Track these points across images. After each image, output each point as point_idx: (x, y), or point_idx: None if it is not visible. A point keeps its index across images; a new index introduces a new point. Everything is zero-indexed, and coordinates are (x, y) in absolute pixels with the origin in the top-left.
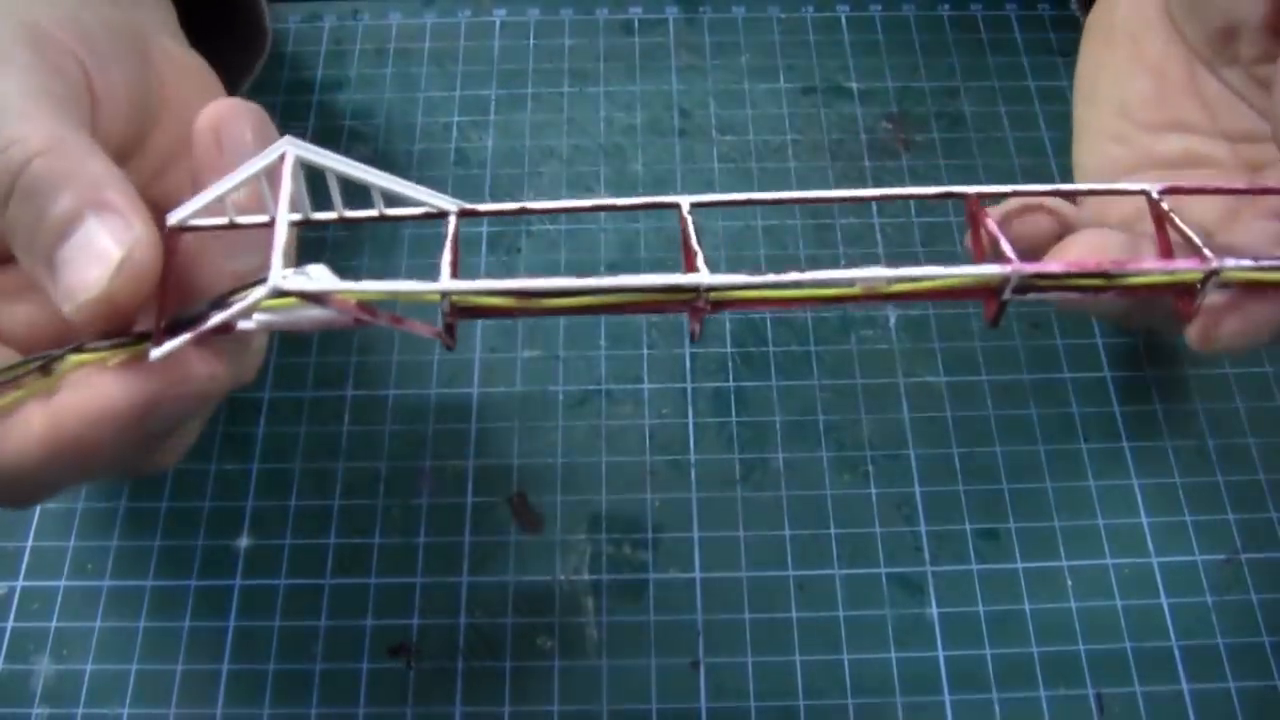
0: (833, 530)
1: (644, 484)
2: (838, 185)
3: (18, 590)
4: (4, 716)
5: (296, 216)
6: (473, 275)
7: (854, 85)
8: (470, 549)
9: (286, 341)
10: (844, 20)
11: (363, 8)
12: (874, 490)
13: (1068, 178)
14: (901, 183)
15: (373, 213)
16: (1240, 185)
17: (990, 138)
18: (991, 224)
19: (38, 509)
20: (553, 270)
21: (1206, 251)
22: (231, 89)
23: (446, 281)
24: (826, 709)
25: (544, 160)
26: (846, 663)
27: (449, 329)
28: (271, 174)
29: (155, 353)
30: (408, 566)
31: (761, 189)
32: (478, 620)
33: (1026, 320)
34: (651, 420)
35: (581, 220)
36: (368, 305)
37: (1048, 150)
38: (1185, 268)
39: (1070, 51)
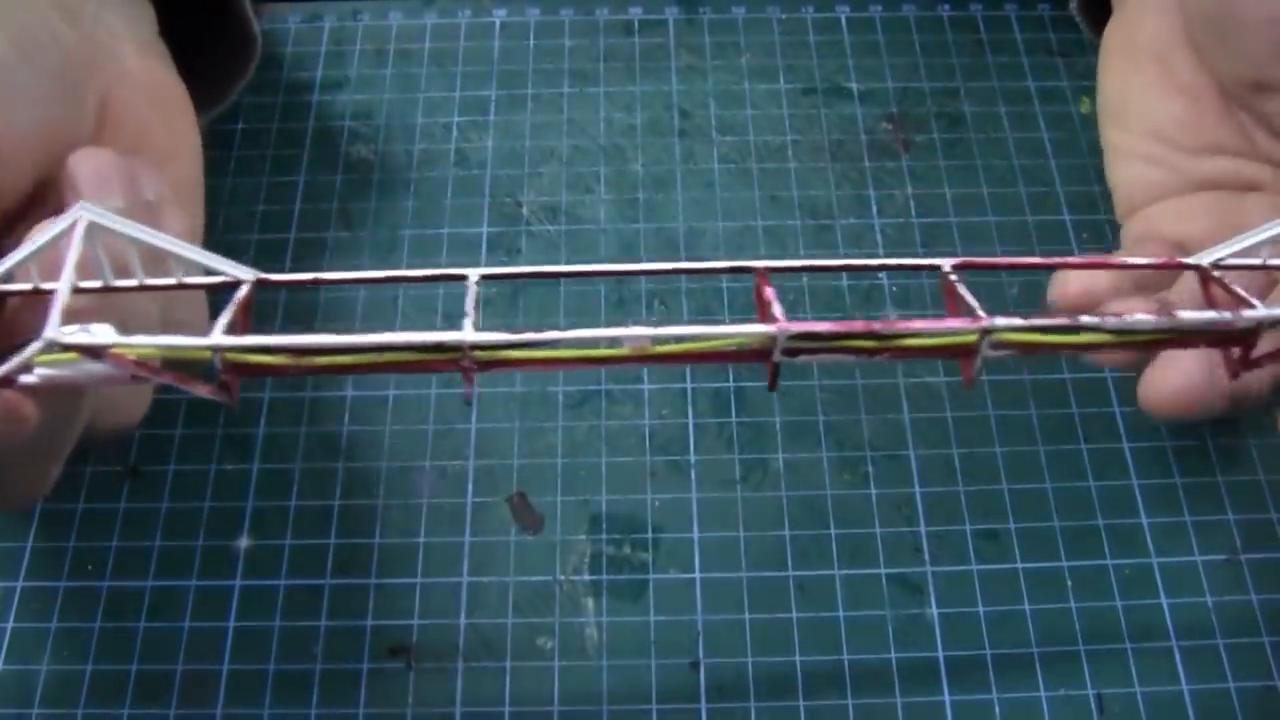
0: (832, 531)
1: (644, 484)
2: (838, 186)
3: (18, 590)
4: (4, 717)
5: (95, 284)
6: None
7: (854, 86)
8: (470, 549)
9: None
10: (844, 21)
11: (363, 8)
12: (874, 491)
13: (1068, 178)
14: (902, 183)
15: (171, 281)
16: (1038, 260)
17: (990, 138)
18: (769, 292)
19: (38, 508)
20: None
21: (979, 311)
22: (223, 95)
23: (217, 337)
24: (826, 709)
25: (544, 161)
26: (846, 663)
27: (224, 386)
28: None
29: None
30: (408, 567)
31: (762, 190)
32: (478, 620)
33: None
34: (651, 421)
35: (582, 220)
36: (145, 362)
37: (1048, 151)
38: (956, 328)
39: (1070, 52)
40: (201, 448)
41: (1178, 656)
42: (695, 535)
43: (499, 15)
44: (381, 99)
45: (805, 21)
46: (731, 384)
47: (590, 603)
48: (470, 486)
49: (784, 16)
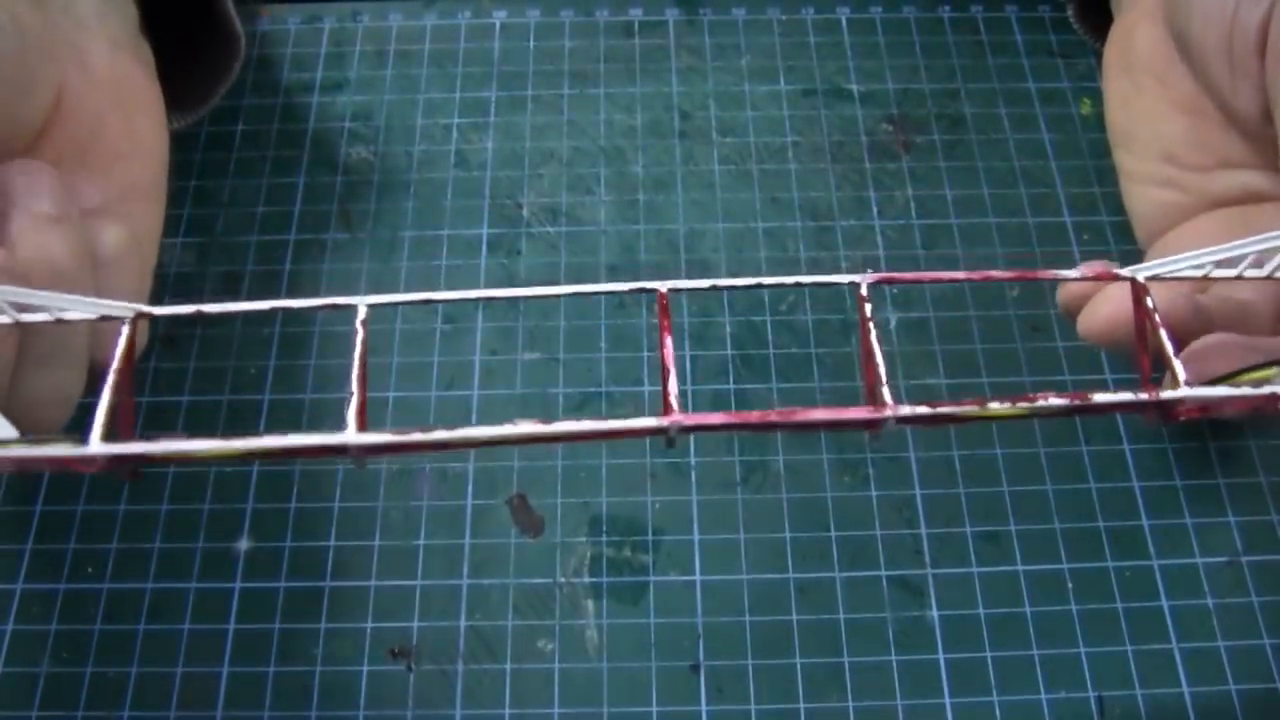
0: (833, 533)
1: (644, 486)
2: (839, 187)
3: (18, 593)
4: (5, 719)
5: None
6: (472, 276)
7: (854, 87)
8: (470, 551)
9: (285, 345)
10: (844, 22)
11: (363, 9)
12: (874, 493)
13: (1069, 179)
14: (903, 185)
15: (48, 318)
16: (958, 275)
17: (991, 139)
18: (665, 319)
19: (38, 510)
20: (553, 274)
21: (887, 397)
22: (207, 96)
23: (95, 445)
24: (827, 712)
25: (544, 162)
26: (847, 665)
27: (133, 472)
28: None
29: None
30: (408, 569)
31: (762, 191)
32: (478, 622)
33: (1027, 323)
34: None
35: (582, 222)
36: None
37: (1048, 152)
38: (852, 419)
39: (1071, 53)
40: None
41: (1179, 659)
42: (696, 537)
43: (499, 16)
44: (381, 100)
45: (805, 23)
46: (732, 385)
47: (590, 605)
48: (470, 489)
49: (784, 18)
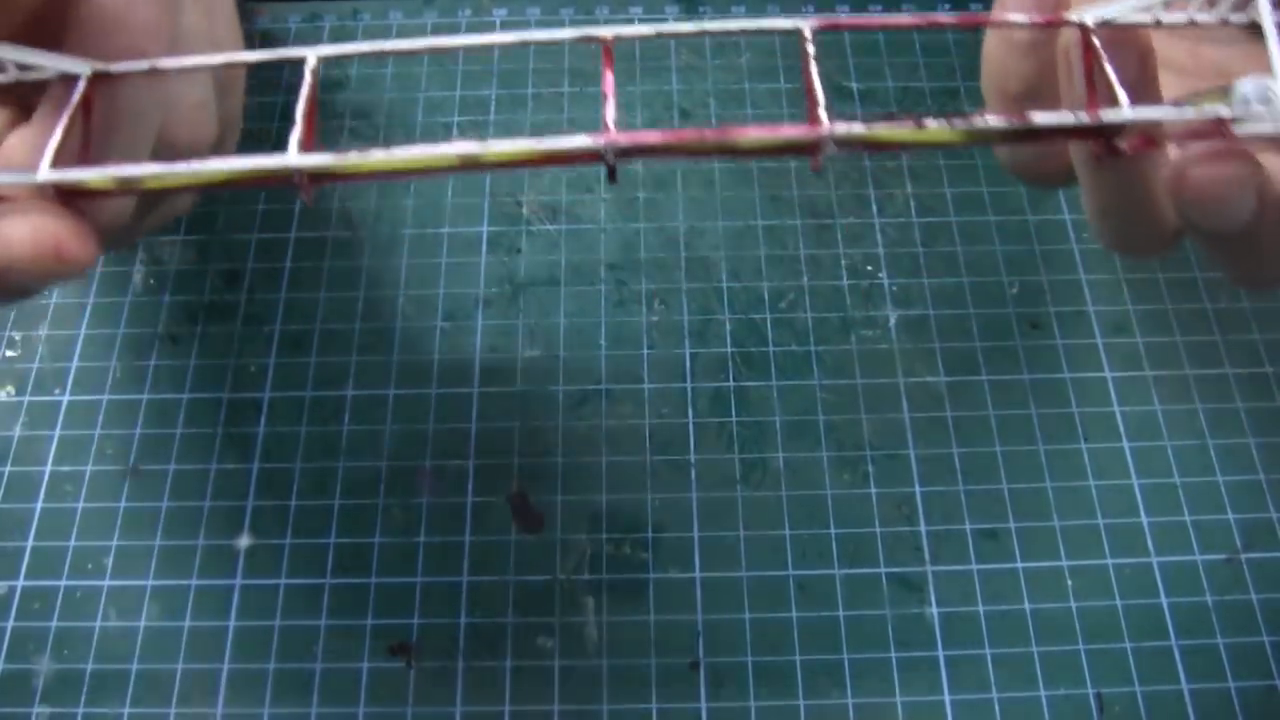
0: (833, 530)
1: (644, 484)
2: (838, 185)
3: (18, 590)
4: (5, 716)
5: None
6: (472, 274)
7: (854, 85)
8: (470, 548)
9: (286, 342)
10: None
11: (363, 8)
12: (874, 490)
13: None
14: (902, 183)
15: (8, 78)
16: (909, 19)
17: None
18: (609, 77)
19: (38, 508)
20: (553, 272)
21: (823, 115)
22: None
23: (45, 173)
24: (826, 709)
25: None
26: (846, 662)
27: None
28: None
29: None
30: (408, 566)
31: (762, 188)
32: (478, 620)
33: (1026, 320)
34: (652, 420)
35: (582, 220)
36: None
37: None
38: (791, 136)
39: None
40: (201, 447)
41: (1178, 656)
42: (695, 534)
43: (499, 15)
44: (382, 98)
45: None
46: (731, 384)
47: (590, 602)
48: (470, 486)
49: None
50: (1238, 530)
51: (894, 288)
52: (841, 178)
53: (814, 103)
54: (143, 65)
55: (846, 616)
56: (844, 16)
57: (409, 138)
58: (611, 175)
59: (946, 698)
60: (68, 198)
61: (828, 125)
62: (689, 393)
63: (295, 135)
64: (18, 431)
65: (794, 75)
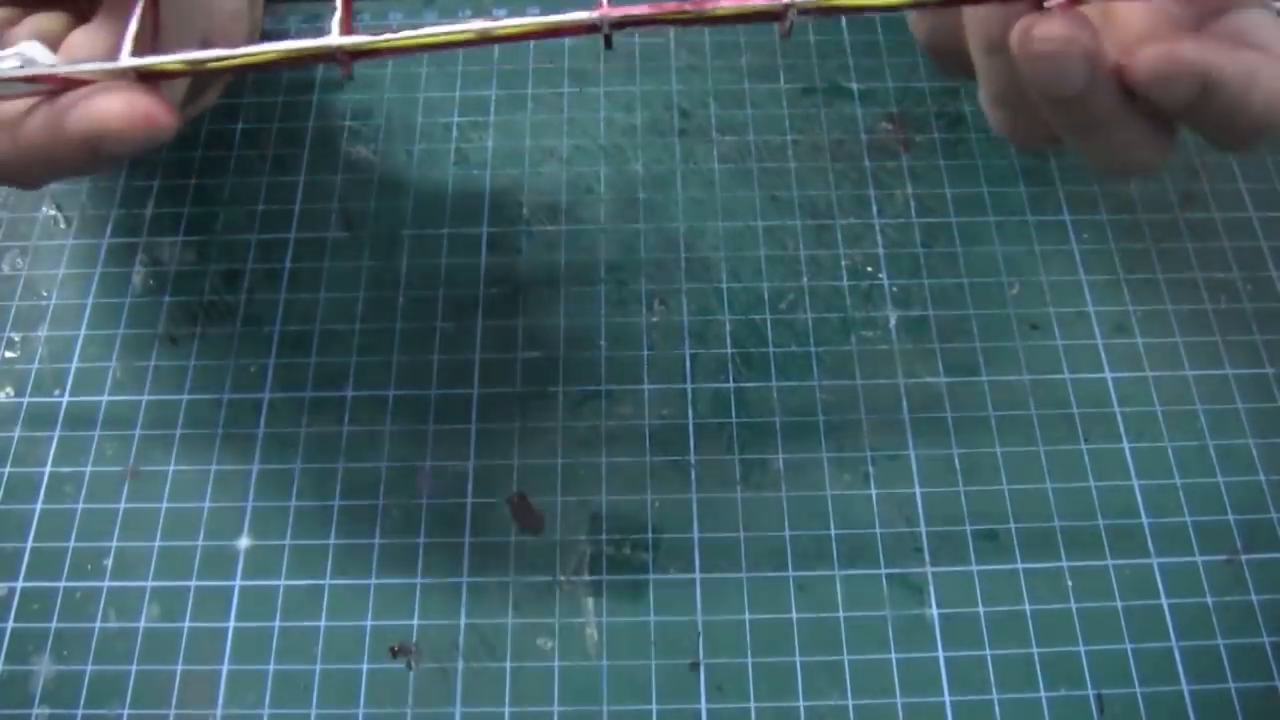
0: (833, 531)
1: (644, 485)
2: (838, 185)
3: (18, 591)
4: (5, 717)
5: None
6: (472, 275)
7: (854, 85)
8: (470, 549)
9: (286, 342)
10: (844, 20)
11: (363, 8)
12: (874, 491)
13: (1068, 177)
14: (902, 183)
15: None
16: None
17: (990, 137)
18: None
19: (38, 509)
20: (553, 273)
21: None
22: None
23: (127, 58)
24: (826, 710)
25: (544, 160)
26: (846, 663)
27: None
28: None
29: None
30: (408, 567)
31: (762, 189)
32: (478, 621)
33: (1026, 321)
34: (652, 421)
35: (582, 220)
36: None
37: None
38: (760, 5)
39: None
40: (201, 448)
41: (1178, 657)
42: (695, 535)
43: (499, 15)
44: (381, 98)
45: (805, 21)
46: (731, 384)
47: (590, 603)
48: (470, 486)
49: None
50: (1238, 531)
51: (894, 288)
52: (841, 178)
53: None
54: None
55: (846, 617)
56: None
57: (409, 138)
58: (607, 43)
59: (947, 699)
60: (143, 80)
61: None
62: (689, 393)
63: (336, 18)
64: (17, 432)
65: (793, 75)
